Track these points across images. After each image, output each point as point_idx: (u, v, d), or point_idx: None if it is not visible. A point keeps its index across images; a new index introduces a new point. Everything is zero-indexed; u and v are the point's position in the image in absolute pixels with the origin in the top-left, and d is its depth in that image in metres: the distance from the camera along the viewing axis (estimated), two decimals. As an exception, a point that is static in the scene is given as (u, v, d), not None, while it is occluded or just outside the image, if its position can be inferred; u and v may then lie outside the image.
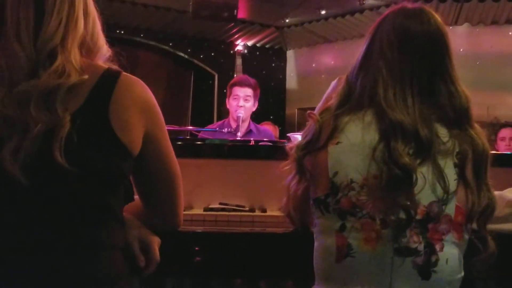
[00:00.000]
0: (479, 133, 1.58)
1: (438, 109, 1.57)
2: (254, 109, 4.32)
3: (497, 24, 8.56)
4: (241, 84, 4.30)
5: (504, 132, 5.42)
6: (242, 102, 4.19)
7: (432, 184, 1.50)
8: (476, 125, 1.61)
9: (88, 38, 1.43)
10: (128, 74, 1.43)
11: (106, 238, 1.37)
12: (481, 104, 7.85)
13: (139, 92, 1.42)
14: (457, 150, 1.53)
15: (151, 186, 1.53)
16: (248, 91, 4.24)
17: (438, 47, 1.61)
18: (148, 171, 1.49)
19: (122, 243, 1.43)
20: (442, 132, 1.54)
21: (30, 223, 1.30)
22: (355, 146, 1.53)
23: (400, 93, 1.55)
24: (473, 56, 8.40)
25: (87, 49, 1.43)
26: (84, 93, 1.34)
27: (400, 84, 1.56)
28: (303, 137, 1.66)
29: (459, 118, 1.57)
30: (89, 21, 1.45)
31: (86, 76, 1.34)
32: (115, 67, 1.46)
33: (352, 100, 1.63)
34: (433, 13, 1.66)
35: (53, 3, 1.36)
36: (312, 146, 1.62)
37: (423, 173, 1.49)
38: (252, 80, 4.34)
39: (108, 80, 1.38)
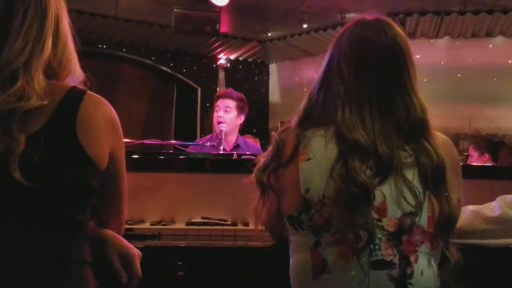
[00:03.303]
0: (436, 145, 1.56)
1: (396, 123, 1.55)
2: (239, 122, 4.28)
3: (477, 36, 8.64)
4: (223, 96, 4.31)
5: (470, 150, 5.74)
6: (222, 113, 4.18)
7: (396, 199, 1.49)
8: (437, 135, 1.61)
9: (55, 62, 1.42)
10: (93, 93, 1.43)
11: (74, 253, 1.36)
12: (462, 116, 7.93)
13: (106, 111, 1.43)
14: (417, 162, 1.53)
15: (102, 200, 1.52)
16: (229, 102, 4.22)
17: (395, 59, 1.59)
18: (105, 187, 1.48)
19: (90, 258, 1.42)
20: (404, 146, 1.54)
21: None
22: (323, 161, 1.53)
23: (357, 112, 1.54)
24: (454, 69, 8.50)
25: (54, 73, 1.42)
26: (48, 113, 1.34)
27: (357, 102, 1.55)
28: (263, 159, 1.67)
29: (414, 131, 1.56)
30: (59, 45, 1.44)
31: (45, 102, 1.33)
32: (80, 86, 1.45)
33: (314, 117, 1.62)
34: (391, 23, 1.64)
35: (21, 24, 1.36)
36: (274, 165, 1.62)
37: (387, 189, 1.49)
38: (235, 93, 4.32)
39: (73, 98, 1.38)
